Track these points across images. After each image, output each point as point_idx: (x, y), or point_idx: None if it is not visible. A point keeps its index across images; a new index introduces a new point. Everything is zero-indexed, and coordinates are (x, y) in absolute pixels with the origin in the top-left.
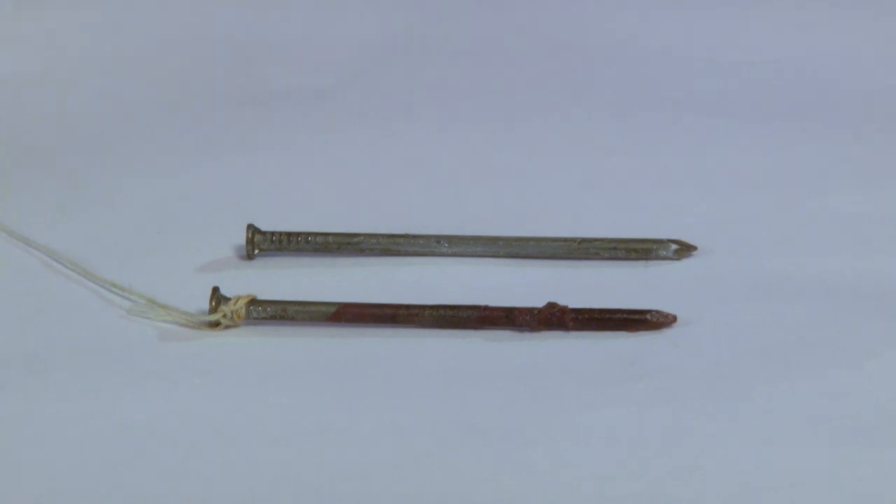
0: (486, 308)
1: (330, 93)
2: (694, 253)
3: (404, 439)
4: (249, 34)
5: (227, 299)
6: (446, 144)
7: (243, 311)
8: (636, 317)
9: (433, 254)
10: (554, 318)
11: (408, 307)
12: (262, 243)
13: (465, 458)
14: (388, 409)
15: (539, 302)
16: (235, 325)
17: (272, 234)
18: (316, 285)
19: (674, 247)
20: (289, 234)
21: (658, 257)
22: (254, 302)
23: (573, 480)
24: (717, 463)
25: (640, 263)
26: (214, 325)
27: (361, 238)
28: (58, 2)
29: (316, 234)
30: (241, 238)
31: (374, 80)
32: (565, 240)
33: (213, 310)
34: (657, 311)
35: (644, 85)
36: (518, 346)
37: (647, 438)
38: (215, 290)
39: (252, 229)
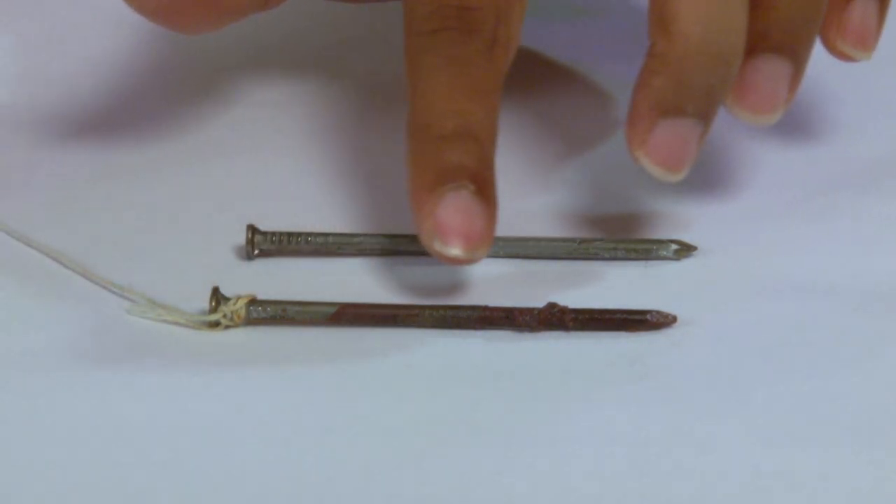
0: (486, 308)
1: (330, 92)
2: (694, 253)
3: (404, 439)
4: (250, 33)
5: (226, 299)
6: None
7: (243, 312)
8: (636, 317)
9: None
10: (554, 318)
11: (408, 307)
12: (262, 243)
13: (465, 458)
14: (388, 409)
15: (539, 302)
16: (235, 326)
17: (272, 234)
18: (316, 285)
19: (674, 247)
20: (289, 235)
21: (658, 257)
22: (254, 302)
23: (573, 480)
24: (718, 463)
25: (640, 263)
26: (214, 325)
27: (361, 238)
28: (57, 1)
29: (316, 235)
30: (241, 238)
31: (375, 79)
32: (565, 240)
33: (212, 310)
34: (657, 312)
35: None
36: (518, 346)
37: (647, 438)
38: (215, 290)
39: (252, 229)
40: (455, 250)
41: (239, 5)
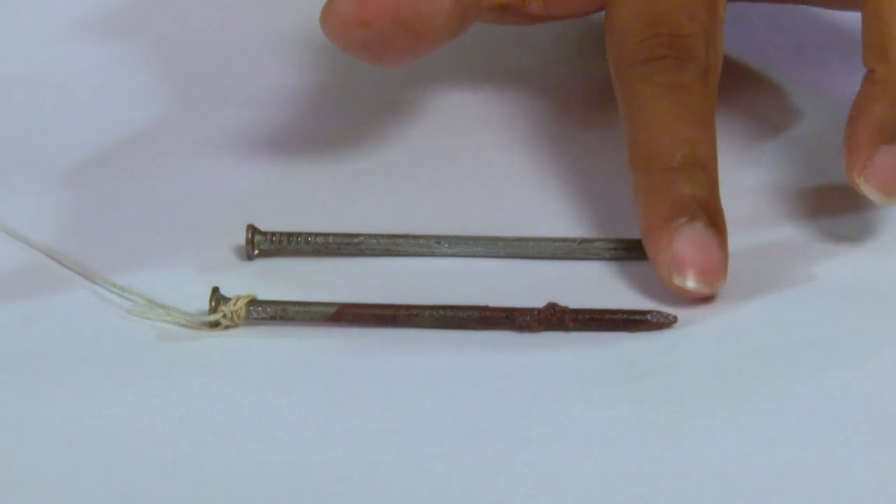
0: (486, 308)
1: (330, 92)
2: None
3: (404, 439)
4: (248, 33)
5: (226, 300)
6: (446, 144)
7: (243, 312)
8: (637, 317)
9: (433, 254)
10: (554, 319)
11: (408, 307)
12: (262, 243)
13: (466, 458)
14: (388, 410)
15: (539, 302)
16: (235, 326)
17: (272, 234)
18: (316, 286)
19: None
20: (289, 235)
21: None
22: (253, 302)
23: (573, 481)
24: (718, 463)
25: (641, 264)
26: (214, 325)
27: (361, 238)
28: (57, 1)
29: (316, 235)
30: (240, 238)
31: (374, 79)
32: (565, 240)
33: (212, 310)
34: (658, 312)
35: None
36: (518, 346)
37: (647, 439)
38: (215, 290)
39: (252, 229)
40: (693, 283)
41: (436, 37)
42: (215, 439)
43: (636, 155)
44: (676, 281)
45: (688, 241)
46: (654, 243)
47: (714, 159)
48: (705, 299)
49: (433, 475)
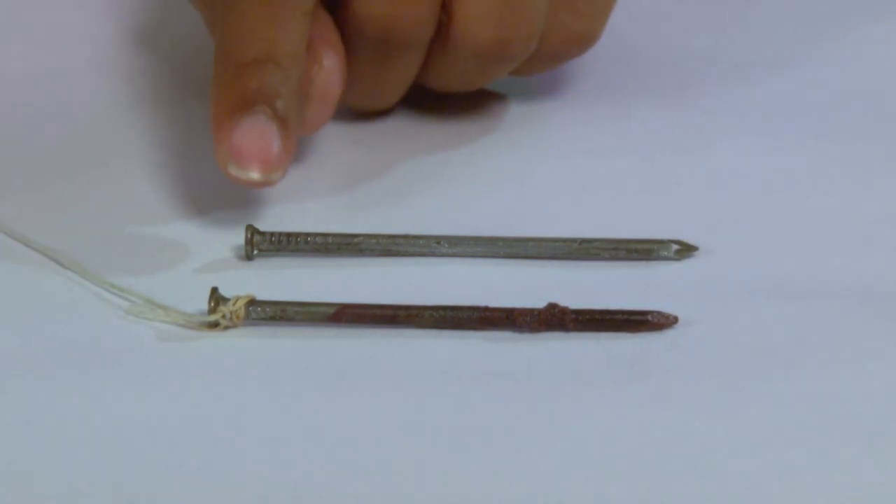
0: (486, 309)
1: None
2: (695, 253)
3: (404, 439)
4: None
5: (226, 300)
6: (446, 144)
7: (242, 312)
8: (637, 318)
9: (433, 254)
10: (554, 319)
11: (408, 308)
12: (262, 244)
13: (465, 458)
14: (388, 409)
15: (539, 302)
16: (235, 326)
17: (271, 234)
18: (316, 286)
19: (675, 247)
20: (288, 235)
21: (659, 258)
22: (253, 302)
23: (573, 481)
24: (718, 463)
25: (641, 264)
26: (213, 325)
27: (361, 238)
28: (57, 1)
29: (316, 235)
30: (240, 238)
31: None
32: (565, 240)
33: (212, 310)
34: (658, 312)
35: (644, 85)
36: (518, 347)
37: (647, 439)
38: (214, 290)
39: (251, 229)
40: (248, 173)
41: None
42: (215, 439)
43: (218, 52)
44: (232, 171)
45: (247, 131)
46: (217, 132)
47: (293, 58)
48: (710, 302)
49: (433, 475)
